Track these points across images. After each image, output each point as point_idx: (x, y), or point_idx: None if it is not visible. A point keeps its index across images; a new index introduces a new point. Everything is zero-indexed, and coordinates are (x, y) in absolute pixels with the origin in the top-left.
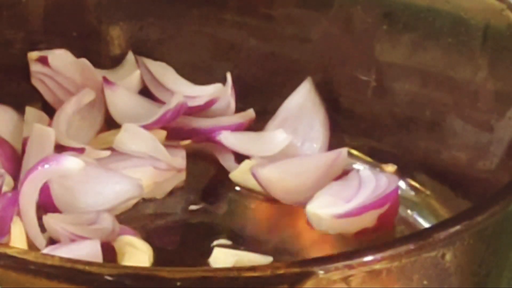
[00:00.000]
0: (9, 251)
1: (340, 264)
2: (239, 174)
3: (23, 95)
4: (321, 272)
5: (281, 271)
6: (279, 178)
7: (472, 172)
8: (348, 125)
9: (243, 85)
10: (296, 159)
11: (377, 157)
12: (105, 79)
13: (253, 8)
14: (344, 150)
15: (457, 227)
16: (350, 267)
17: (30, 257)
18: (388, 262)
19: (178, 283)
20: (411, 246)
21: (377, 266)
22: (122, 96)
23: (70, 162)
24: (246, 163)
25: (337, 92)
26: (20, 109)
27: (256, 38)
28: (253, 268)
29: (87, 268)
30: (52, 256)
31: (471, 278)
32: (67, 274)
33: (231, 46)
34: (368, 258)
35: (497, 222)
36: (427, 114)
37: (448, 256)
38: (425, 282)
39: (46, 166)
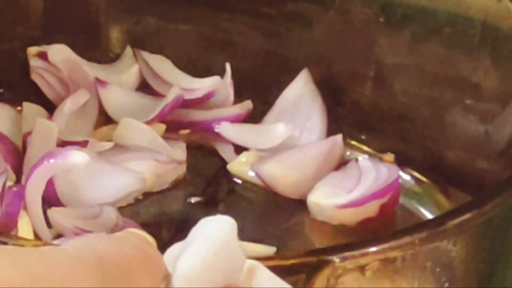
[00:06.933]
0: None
1: (356, 253)
2: (236, 166)
3: (21, 91)
4: (337, 260)
5: (299, 260)
6: (280, 173)
7: (471, 168)
8: (346, 116)
9: (242, 78)
10: (294, 151)
11: (376, 147)
12: (97, 79)
13: (252, 2)
14: (339, 137)
15: (469, 215)
16: (366, 255)
17: None
18: (403, 250)
19: None
20: (425, 234)
21: (392, 254)
22: (116, 93)
23: (76, 156)
24: (243, 155)
25: (335, 83)
26: (18, 105)
27: (255, 31)
28: (271, 258)
29: None
30: None
31: (481, 265)
32: None
33: (230, 39)
34: (384, 246)
35: (507, 209)
36: (425, 107)
37: (459, 244)
38: (437, 270)
39: (52, 160)
